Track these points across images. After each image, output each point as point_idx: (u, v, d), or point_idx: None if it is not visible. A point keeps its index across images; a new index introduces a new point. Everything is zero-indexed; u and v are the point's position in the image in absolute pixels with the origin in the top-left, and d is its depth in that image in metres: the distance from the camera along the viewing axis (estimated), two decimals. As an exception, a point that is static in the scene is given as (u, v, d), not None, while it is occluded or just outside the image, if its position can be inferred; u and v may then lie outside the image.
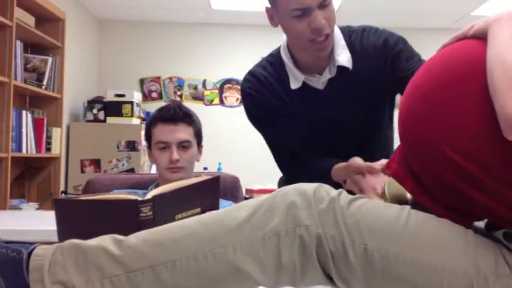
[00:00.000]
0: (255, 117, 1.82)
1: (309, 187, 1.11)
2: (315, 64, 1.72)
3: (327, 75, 1.71)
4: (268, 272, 1.05)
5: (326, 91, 1.72)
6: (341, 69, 1.69)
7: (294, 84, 1.71)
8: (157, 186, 2.03)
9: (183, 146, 1.94)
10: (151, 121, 2.00)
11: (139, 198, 1.22)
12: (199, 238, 1.07)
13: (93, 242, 1.07)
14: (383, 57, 1.71)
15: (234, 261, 1.04)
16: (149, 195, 1.24)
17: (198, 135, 2.02)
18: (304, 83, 1.72)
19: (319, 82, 1.72)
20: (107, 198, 1.28)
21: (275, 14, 1.65)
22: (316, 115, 1.73)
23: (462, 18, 5.48)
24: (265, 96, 1.75)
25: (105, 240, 1.07)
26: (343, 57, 1.69)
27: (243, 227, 1.07)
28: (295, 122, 1.75)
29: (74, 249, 1.06)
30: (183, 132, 1.94)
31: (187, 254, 1.05)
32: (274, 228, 1.06)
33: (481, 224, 1.23)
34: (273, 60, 1.78)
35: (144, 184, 2.13)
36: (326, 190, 1.12)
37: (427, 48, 6.61)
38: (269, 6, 1.66)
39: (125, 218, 1.21)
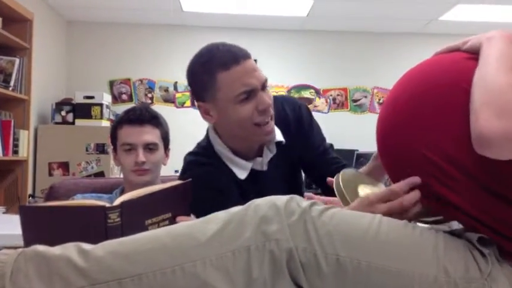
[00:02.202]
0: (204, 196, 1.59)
1: (280, 200, 1.11)
2: (252, 149, 1.67)
3: (268, 155, 1.67)
4: (237, 287, 1.04)
5: (269, 170, 1.68)
6: (277, 145, 1.68)
7: (242, 174, 1.64)
8: (123, 190, 1.99)
9: (150, 148, 1.90)
10: (117, 123, 1.96)
11: (107, 205, 1.20)
12: (168, 252, 1.05)
13: (57, 250, 1.05)
14: (299, 128, 1.72)
15: (203, 276, 1.03)
16: (117, 201, 1.22)
17: (165, 138, 1.98)
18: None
19: (263, 164, 1.67)
20: (74, 205, 1.25)
21: (213, 108, 1.57)
22: (262, 194, 1.65)
23: (431, 23, 5.57)
24: (215, 182, 1.62)
25: (70, 250, 1.05)
26: (277, 132, 1.67)
27: (213, 241, 1.06)
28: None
29: (37, 257, 1.03)
30: (150, 134, 1.91)
31: (155, 267, 1.03)
32: (245, 242, 1.06)
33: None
34: (208, 153, 1.67)
35: (110, 188, 2.09)
36: (297, 202, 1.12)
37: (397, 52, 6.70)
38: (202, 102, 1.58)
39: (92, 225, 1.19)
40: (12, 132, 4.09)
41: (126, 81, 5.83)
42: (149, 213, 1.29)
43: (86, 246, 1.06)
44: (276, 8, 5.17)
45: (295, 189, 1.75)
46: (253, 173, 1.65)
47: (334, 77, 6.00)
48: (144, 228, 1.27)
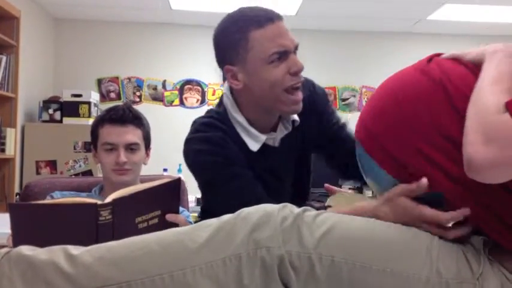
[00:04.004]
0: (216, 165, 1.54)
1: (272, 207, 1.11)
2: (269, 122, 1.64)
3: (283, 132, 1.64)
4: None
5: (281, 148, 1.64)
6: (292, 123, 1.65)
7: (254, 146, 1.58)
8: (102, 188, 1.99)
9: (131, 148, 1.89)
10: (99, 121, 1.94)
11: (99, 202, 1.20)
12: (157, 259, 1.04)
13: (44, 255, 1.03)
14: (313, 106, 1.69)
15: (192, 284, 1.03)
16: (109, 199, 1.22)
17: (147, 138, 1.97)
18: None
19: (276, 140, 1.64)
20: (65, 202, 1.25)
21: (241, 71, 1.52)
22: (270, 171, 1.63)
23: (419, 22, 5.59)
24: (228, 146, 1.55)
25: (57, 254, 1.03)
26: None
27: (203, 249, 1.06)
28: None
29: (22, 261, 1.02)
30: (131, 135, 1.90)
31: (144, 275, 1.03)
32: (236, 250, 1.05)
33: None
34: (221, 119, 1.60)
35: (87, 187, 2.07)
36: (290, 208, 1.12)
37: (386, 51, 6.69)
38: (230, 65, 1.53)
39: (83, 222, 1.18)
40: (-1, 130, 4.06)
41: (114, 79, 5.80)
42: (139, 211, 1.29)
43: (74, 250, 1.05)
44: (264, 7, 5.17)
45: (302, 173, 1.74)
46: (264, 147, 1.60)
47: (323, 75, 5.99)
48: (134, 226, 1.27)
